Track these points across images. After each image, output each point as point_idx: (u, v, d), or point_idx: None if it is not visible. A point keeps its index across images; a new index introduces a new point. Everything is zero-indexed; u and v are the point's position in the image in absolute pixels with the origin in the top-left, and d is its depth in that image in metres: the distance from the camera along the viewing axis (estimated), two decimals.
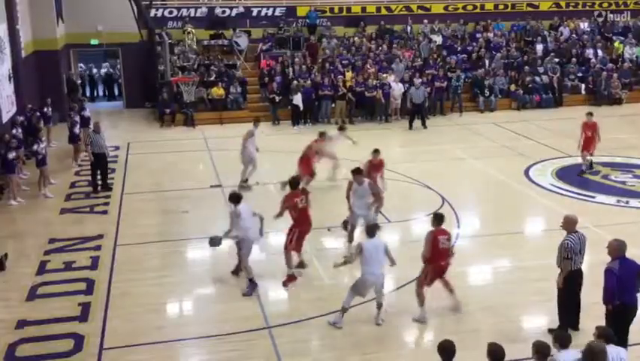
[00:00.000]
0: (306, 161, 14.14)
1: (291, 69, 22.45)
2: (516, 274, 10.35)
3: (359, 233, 11.01)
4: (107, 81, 27.25)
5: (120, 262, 10.81)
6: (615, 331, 7.16)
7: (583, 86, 23.75)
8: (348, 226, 11.25)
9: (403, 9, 26.25)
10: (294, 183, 10.42)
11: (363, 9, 26.08)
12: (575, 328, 8.37)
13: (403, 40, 24.98)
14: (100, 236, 11.91)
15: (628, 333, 7.46)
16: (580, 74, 24.12)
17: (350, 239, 11.13)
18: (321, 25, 25.32)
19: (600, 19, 27.36)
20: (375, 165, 12.49)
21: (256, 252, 11.25)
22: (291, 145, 18.20)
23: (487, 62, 23.89)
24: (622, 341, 7.17)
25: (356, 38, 24.89)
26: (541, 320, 8.94)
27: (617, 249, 7.50)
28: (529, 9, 26.97)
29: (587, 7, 27.56)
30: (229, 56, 23.66)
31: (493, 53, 24.44)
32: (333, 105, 21.39)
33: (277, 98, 21.29)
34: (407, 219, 12.71)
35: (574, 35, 26.15)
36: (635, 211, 12.77)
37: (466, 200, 14.02)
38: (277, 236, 11.91)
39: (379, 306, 8.81)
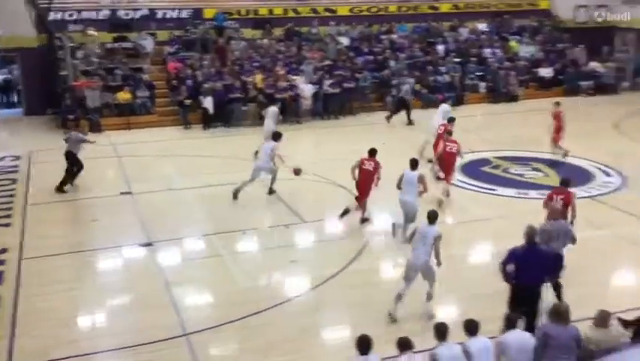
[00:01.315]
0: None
1: (200, 72, 22.21)
2: None
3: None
4: (5, 88, 25.89)
5: (27, 276, 10.35)
6: (525, 312, 7.64)
7: (483, 84, 24.86)
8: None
9: (310, 11, 26.54)
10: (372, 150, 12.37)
11: (271, 11, 26.13)
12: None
13: (311, 42, 25.26)
14: (3, 250, 11.36)
15: (535, 316, 7.91)
16: (479, 73, 25.22)
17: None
18: (228, 28, 25.18)
19: (497, 20, 28.72)
20: None
21: (176, 258, 11.18)
22: (203, 149, 18.08)
23: (392, 62, 24.56)
24: (529, 324, 7.64)
25: (265, 40, 24.94)
26: (449, 309, 9.33)
27: (526, 235, 8.06)
28: (430, 11, 27.91)
29: (484, 9, 28.87)
30: (134, 59, 23.07)
31: (398, 53, 25.15)
32: (245, 108, 21.33)
33: (187, 102, 21.00)
34: (321, 219, 12.89)
35: (473, 36, 27.32)
36: (533, 202, 13.48)
37: (379, 198, 14.37)
38: (199, 241, 11.84)
39: (429, 297, 8.96)
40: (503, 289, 8.29)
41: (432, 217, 8.99)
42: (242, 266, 10.76)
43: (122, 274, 10.77)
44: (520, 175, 15.41)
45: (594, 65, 25.92)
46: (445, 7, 28.20)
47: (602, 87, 24.49)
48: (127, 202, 13.84)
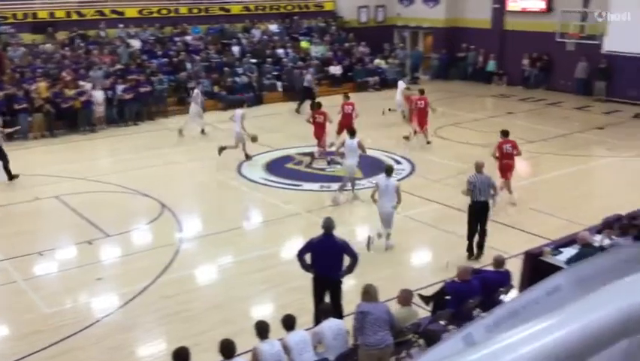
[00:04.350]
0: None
1: None
2: (241, 268, 10.74)
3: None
4: None
5: None
6: (332, 305, 7.94)
7: (279, 83, 25.50)
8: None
9: (96, 13, 25.17)
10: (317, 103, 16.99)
11: (51, 14, 24.31)
12: (470, 253, 10.58)
13: (99, 46, 23.97)
14: None
15: (340, 306, 8.25)
16: (275, 73, 25.84)
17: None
18: (4, 33, 22.95)
19: (287, 21, 29.63)
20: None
21: None
22: None
23: (188, 65, 24.20)
24: (337, 312, 7.96)
25: (47, 45, 23.13)
26: (268, 306, 9.44)
27: (323, 226, 8.29)
28: (222, 12, 27.99)
29: (274, 10, 29.64)
30: None
31: (193, 55, 24.85)
32: (30, 119, 19.57)
33: None
34: (128, 231, 12.28)
35: (265, 37, 27.91)
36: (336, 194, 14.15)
37: (185, 203, 14.07)
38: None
39: (387, 236, 11.00)
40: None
41: (389, 171, 10.98)
42: (41, 291, 9.86)
43: None
44: (322, 169, 16.04)
45: (378, 61, 27.90)
46: (235, 9, 28.44)
47: (387, 82, 26.41)
48: None
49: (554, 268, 8.23)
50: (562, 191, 14.24)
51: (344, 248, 8.30)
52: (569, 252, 8.62)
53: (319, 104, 16.88)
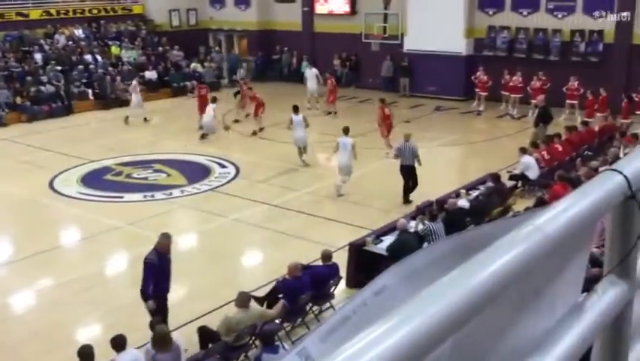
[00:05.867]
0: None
1: None
2: (61, 290, 10.03)
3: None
4: None
5: None
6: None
7: (90, 91, 24.16)
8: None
9: None
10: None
11: None
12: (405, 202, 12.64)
13: None
14: None
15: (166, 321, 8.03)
16: (85, 80, 24.44)
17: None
18: None
19: (93, 26, 28.14)
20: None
21: None
22: None
23: None
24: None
25: None
26: (95, 328, 8.93)
27: (159, 243, 8.01)
28: (20, 18, 25.87)
29: (79, 15, 27.99)
30: None
31: None
32: None
33: None
34: None
35: (70, 42, 26.28)
36: (161, 203, 13.74)
37: None
38: None
39: (343, 182, 13.36)
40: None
41: (346, 131, 13.62)
42: None
43: None
44: (144, 178, 15.47)
45: (194, 65, 27.53)
46: (35, 14, 26.45)
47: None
48: None
49: (377, 257, 8.76)
50: (377, 182, 15.09)
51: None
52: (389, 239, 9.20)
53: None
